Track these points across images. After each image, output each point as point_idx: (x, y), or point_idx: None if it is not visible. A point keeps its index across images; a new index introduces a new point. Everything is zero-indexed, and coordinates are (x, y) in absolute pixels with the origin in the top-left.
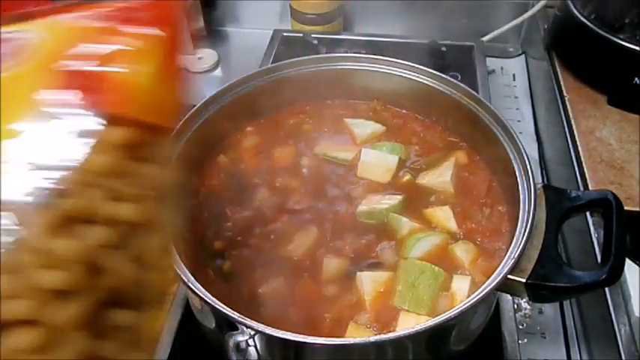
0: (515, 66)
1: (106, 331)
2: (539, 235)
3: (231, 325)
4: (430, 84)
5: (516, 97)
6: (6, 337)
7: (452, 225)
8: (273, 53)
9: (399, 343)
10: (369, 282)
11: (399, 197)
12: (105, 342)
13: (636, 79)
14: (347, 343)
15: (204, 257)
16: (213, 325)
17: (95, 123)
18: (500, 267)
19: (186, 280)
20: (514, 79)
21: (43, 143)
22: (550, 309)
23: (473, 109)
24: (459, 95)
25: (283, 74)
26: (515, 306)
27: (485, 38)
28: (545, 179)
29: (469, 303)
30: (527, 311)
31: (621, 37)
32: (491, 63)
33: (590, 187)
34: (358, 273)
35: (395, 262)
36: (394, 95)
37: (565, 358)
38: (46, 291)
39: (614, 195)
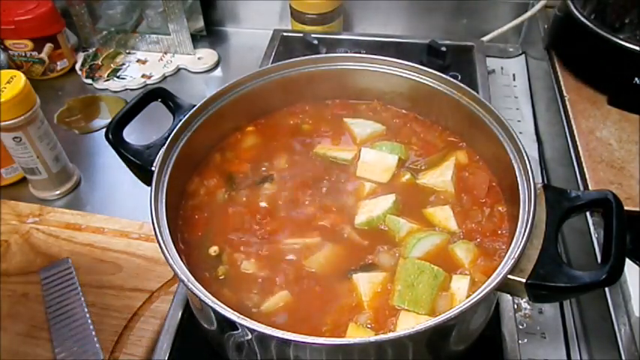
0: (515, 66)
1: None
2: (539, 235)
3: (231, 325)
4: (430, 84)
5: (516, 97)
6: None
7: (452, 225)
8: (273, 53)
9: (399, 343)
10: (365, 283)
11: (393, 197)
12: None
13: (636, 79)
14: (347, 343)
15: (202, 259)
16: (214, 325)
17: None
18: (500, 267)
19: (186, 280)
20: (514, 79)
21: None
22: (550, 309)
23: (473, 109)
24: (459, 95)
25: (283, 74)
26: (515, 306)
27: (485, 38)
28: (545, 179)
29: (469, 303)
30: (527, 311)
31: (621, 37)
32: (491, 63)
33: (590, 187)
34: (355, 274)
35: (392, 263)
36: (394, 95)
37: (565, 358)
38: None
39: (614, 195)
